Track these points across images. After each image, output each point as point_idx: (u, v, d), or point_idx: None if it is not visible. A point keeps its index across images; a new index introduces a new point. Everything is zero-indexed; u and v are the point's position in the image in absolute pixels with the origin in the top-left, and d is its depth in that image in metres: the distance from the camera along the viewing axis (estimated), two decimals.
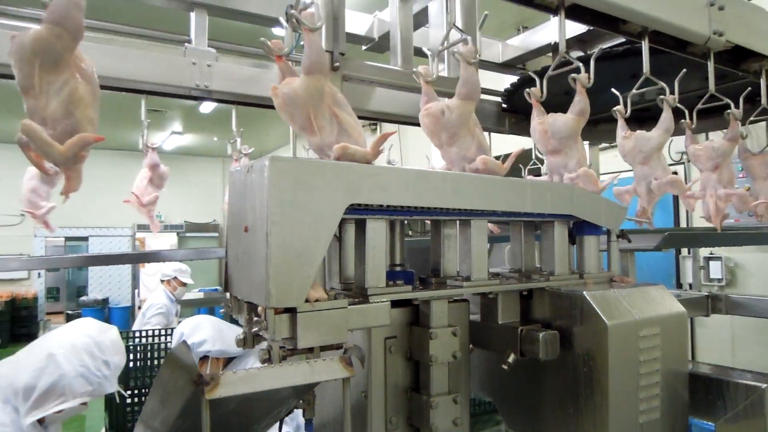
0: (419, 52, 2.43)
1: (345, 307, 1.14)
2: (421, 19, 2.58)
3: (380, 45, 2.74)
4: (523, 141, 3.33)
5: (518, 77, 2.76)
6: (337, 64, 1.76)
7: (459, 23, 2.16)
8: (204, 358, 2.86)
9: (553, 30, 2.85)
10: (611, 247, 1.70)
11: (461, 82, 1.49)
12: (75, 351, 1.87)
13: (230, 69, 2.23)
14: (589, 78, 1.76)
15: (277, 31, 2.72)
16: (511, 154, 1.56)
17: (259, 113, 6.72)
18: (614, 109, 2.04)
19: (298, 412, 1.41)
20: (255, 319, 1.17)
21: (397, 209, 1.25)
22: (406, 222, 1.61)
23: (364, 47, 2.87)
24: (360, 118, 2.09)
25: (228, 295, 1.30)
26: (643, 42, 1.94)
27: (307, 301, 1.09)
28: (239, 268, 1.22)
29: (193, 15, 2.22)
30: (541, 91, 1.83)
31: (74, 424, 6.93)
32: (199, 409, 0.94)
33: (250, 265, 1.14)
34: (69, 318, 14.37)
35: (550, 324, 1.47)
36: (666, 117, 1.97)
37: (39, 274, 13.85)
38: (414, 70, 1.61)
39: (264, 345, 1.16)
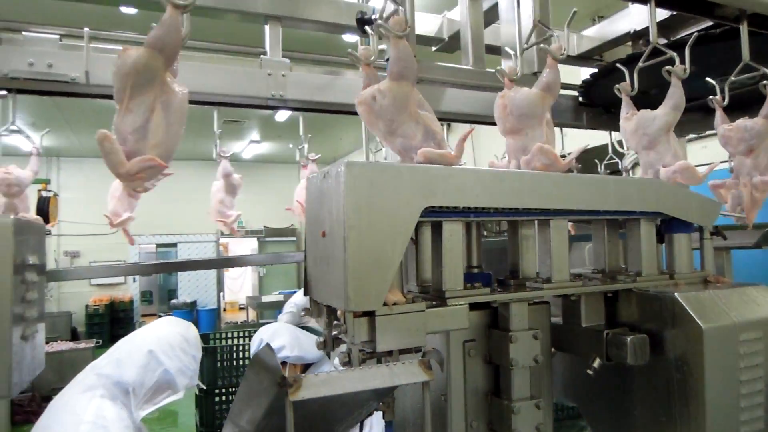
0: (490, 50, 2.39)
1: (423, 310, 1.14)
2: (491, 16, 2.54)
3: (450, 45, 2.72)
4: (601, 136, 3.20)
5: (595, 68, 2.65)
6: None
7: (533, 17, 2.10)
8: (282, 364, 2.94)
9: (632, 18, 2.71)
10: (704, 246, 1.59)
11: (392, 60, 1.29)
12: (172, 348, 1.98)
13: (303, 78, 2.28)
14: (685, 69, 1.66)
15: (347, 37, 2.76)
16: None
17: (332, 119, 6.86)
18: (711, 98, 1.92)
19: (378, 414, 1.42)
20: (335, 322, 1.19)
21: (473, 211, 1.23)
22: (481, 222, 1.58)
23: (434, 48, 2.86)
24: None
25: (308, 298, 1.33)
26: (741, 26, 1.81)
27: (385, 304, 1.10)
28: (318, 272, 1.25)
29: (267, 28, 2.30)
30: (632, 85, 1.76)
31: (168, 420, 7.34)
32: (284, 409, 0.97)
33: (328, 269, 1.16)
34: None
35: (638, 327, 1.40)
36: None
37: (134, 279, 14.82)
38: (499, 68, 1.58)
39: (344, 348, 1.18)
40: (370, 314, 1.09)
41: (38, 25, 2.27)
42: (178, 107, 1.21)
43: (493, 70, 1.65)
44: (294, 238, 16.09)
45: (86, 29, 2.12)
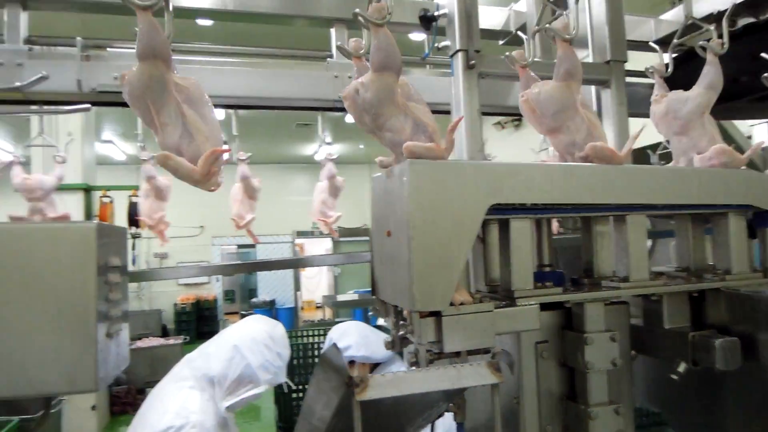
0: None
1: (491, 310, 1.11)
2: (558, 6, 2.44)
3: (518, 38, 2.64)
4: None
5: (676, 54, 2.49)
6: (473, 61, 1.72)
7: (603, 7, 2.00)
8: (351, 363, 2.98)
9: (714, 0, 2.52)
10: None
11: (372, 50, 1.21)
12: (255, 343, 2.06)
13: None
14: (723, 44, 1.52)
15: (415, 36, 2.75)
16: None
17: None
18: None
19: (449, 415, 1.40)
20: (401, 322, 1.19)
21: (542, 207, 1.19)
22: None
23: (501, 42, 2.80)
24: (499, 114, 2.03)
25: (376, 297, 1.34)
26: None
27: (451, 304, 1.08)
28: (384, 271, 1.25)
29: (333, 31, 2.33)
30: (666, 67, 1.64)
31: (251, 414, 7.63)
32: (351, 409, 0.98)
33: (393, 269, 1.15)
34: (243, 317, 15.89)
35: (728, 329, 1.30)
36: None
37: (217, 279, 15.53)
38: (507, 54, 1.50)
39: (411, 348, 1.18)
40: (436, 314, 1.08)
41: (121, 41, 2.42)
42: (198, 96, 1.20)
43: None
44: (367, 238, 16.20)
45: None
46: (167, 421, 1.86)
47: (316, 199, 2.99)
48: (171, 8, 1.19)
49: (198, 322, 14.39)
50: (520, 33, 1.68)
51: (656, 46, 1.79)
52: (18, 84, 0.91)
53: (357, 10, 1.19)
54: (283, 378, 2.12)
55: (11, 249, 0.84)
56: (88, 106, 1.11)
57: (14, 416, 5.11)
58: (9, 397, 0.84)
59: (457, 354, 1.10)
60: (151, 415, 1.95)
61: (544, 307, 1.20)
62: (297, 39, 3.50)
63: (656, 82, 1.66)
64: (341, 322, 3.44)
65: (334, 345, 1.39)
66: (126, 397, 8.28)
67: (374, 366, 2.94)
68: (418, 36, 2.69)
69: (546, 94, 1.38)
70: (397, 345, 1.23)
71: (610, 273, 1.34)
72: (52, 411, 5.56)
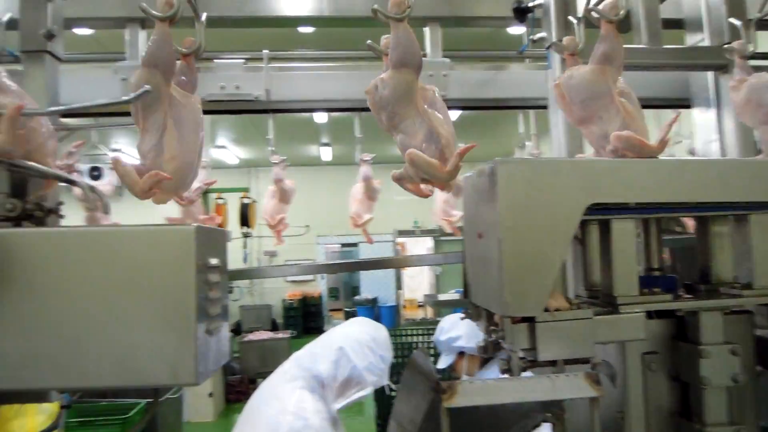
0: (668, 25, 2.11)
1: (590, 317, 1.04)
2: None
3: (623, 24, 2.46)
4: None
5: None
6: None
7: None
8: (461, 354, 2.92)
9: None
10: None
11: (391, 46, 1.16)
12: (360, 345, 2.10)
13: (465, 75, 2.26)
14: None
15: (513, 30, 2.66)
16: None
17: (500, 115, 6.69)
18: None
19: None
20: (493, 327, 1.14)
21: (648, 206, 1.09)
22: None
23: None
24: None
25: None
26: None
27: (546, 310, 1.02)
28: (475, 274, 1.21)
29: (427, 30, 2.31)
30: None
31: (354, 408, 7.81)
32: (439, 415, 0.96)
33: (485, 272, 1.12)
34: (347, 314, 16.32)
35: None
36: None
37: (322, 276, 16.09)
38: (554, 42, 1.38)
39: (504, 355, 1.13)
40: (529, 320, 1.02)
41: (227, 53, 2.56)
42: (189, 118, 1.17)
43: (674, 47, 1.45)
44: None
45: (265, 51, 2.34)
46: (288, 422, 1.90)
47: (438, 199, 2.98)
48: (203, 19, 1.20)
49: (304, 318, 15.00)
50: (570, 18, 1.56)
51: (737, 22, 1.58)
52: (126, 98, 0.99)
53: (375, 6, 1.16)
54: (386, 380, 2.14)
55: (122, 250, 0.91)
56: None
57: (142, 399, 5.62)
58: (120, 386, 0.91)
59: (553, 363, 1.04)
60: (268, 411, 2.02)
61: (653, 314, 1.11)
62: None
63: (737, 64, 1.47)
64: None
65: (423, 349, 1.38)
66: (240, 386, 8.80)
67: (485, 360, 2.85)
68: (517, 30, 2.60)
69: (578, 77, 1.25)
70: (490, 350, 1.19)
71: (731, 279, 1.21)
72: (175, 395, 6.05)
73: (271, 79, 2.34)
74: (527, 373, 1.04)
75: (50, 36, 1.22)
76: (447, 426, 0.94)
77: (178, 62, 1.16)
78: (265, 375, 2.31)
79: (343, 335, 2.18)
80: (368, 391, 2.08)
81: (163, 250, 0.90)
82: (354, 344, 2.11)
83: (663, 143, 1.18)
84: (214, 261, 1.01)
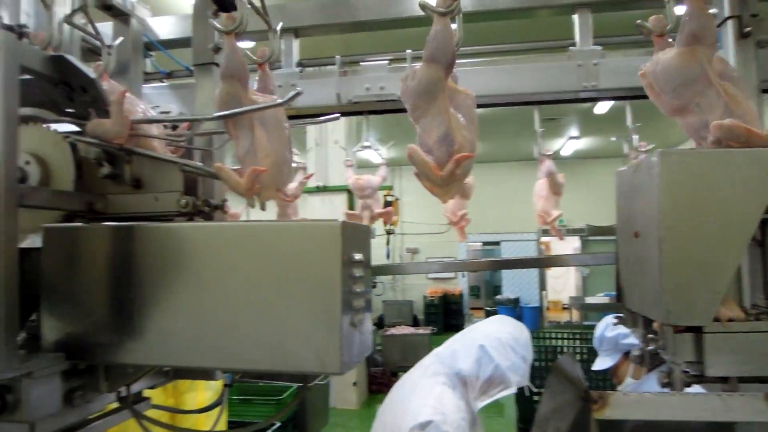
0: None
1: None
2: None
3: None
4: None
5: None
6: (748, 29, 1.42)
7: None
8: (625, 354, 2.70)
9: None
10: None
11: (428, 39, 1.12)
12: (501, 345, 2.07)
13: (618, 64, 2.09)
14: None
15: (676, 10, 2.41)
16: None
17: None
18: None
19: None
20: (651, 335, 1.04)
21: None
22: None
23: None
24: None
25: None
26: None
27: (716, 320, 0.91)
28: (630, 276, 1.11)
29: (576, 17, 2.18)
30: None
31: (494, 409, 7.68)
32: (587, 425, 0.89)
33: (642, 275, 1.02)
34: (488, 313, 16.09)
35: None
36: None
37: (463, 275, 16.02)
38: (639, 21, 1.17)
39: (664, 367, 1.03)
40: (695, 330, 0.92)
41: (373, 54, 2.64)
42: (272, 117, 1.16)
43: None
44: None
45: (408, 51, 2.38)
46: (426, 415, 1.93)
47: (536, 198, 2.84)
48: (278, 30, 1.22)
49: (445, 315, 15.04)
50: None
51: None
52: (280, 100, 1.05)
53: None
54: (527, 381, 2.08)
55: (275, 243, 0.97)
56: (338, 115, 1.23)
57: (294, 384, 6.04)
58: (273, 370, 0.98)
59: (724, 380, 0.93)
60: (408, 404, 2.05)
61: None
62: (527, 31, 3.39)
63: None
64: (589, 325, 3.21)
65: (569, 353, 1.30)
66: (382, 377, 9.08)
67: (653, 366, 2.63)
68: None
69: (665, 63, 1.09)
70: (647, 361, 1.09)
71: None
72: (323, 382, 6.42)
73: None
74: (693, 389, 0.93)
75: (217, 49, 1.33)
76: None
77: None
78: (405, 369, 2.35)
79: (483, 333, 2.14)
80: (512, 390, 2.03)
81: (312, 245, 0.95)
82: (495, 343, 2.07)
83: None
84: (358, 256, 1.05)
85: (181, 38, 2.54)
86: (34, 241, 1.13)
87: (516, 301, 15.27)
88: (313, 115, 2.35)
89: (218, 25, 1.11)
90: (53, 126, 1.15)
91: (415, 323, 13.50)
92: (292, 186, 2.65)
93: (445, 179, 1.16)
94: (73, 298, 1.06)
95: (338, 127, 7.68)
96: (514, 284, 15.93)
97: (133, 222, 1.05)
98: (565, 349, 4.52)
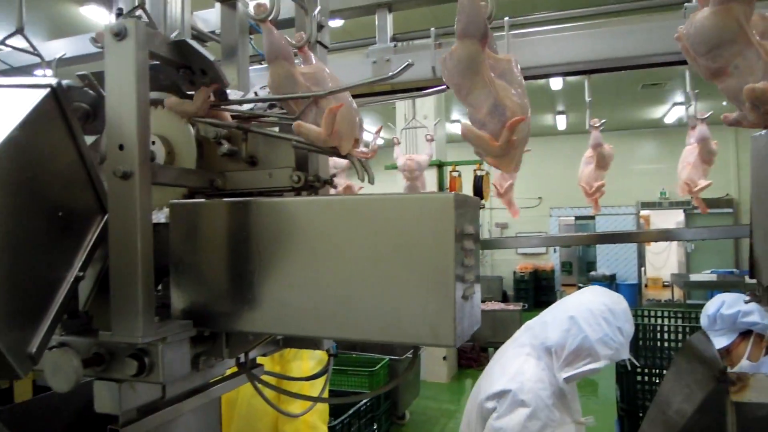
0: None
1: None
2: None
3: None
4: None
5: None
6: None
7: None
8: (745, 334, 2.50)
9: None
10: None
11: (457, 15, 1.08)
12: (593, 315, 1.99)
13: None
14: None
15: None
16: None
17: None
18: None
19: None
20: None
21: None
22: None
23: None
24: None
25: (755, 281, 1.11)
26: None
27: None
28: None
29: None
30: None
31: (588, 389, 7.47)
32: (722, 409, 0.84)
33: None
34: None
35: None
36: None
37: (555, 250, 15.56)
38: None
39: None
40: None
41: None
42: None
43: None
44: (730, 210, 13.87)
45: (506, 19, 2.29)
46: (503, 383, 1.96)
47: (682, 167, 2.65)
48: (316, 11, 1.23)
49: (535, 291, 14.74)
50: None
51: None
52: (390, 74, 1.05)
53: None
54: (625, 354, 1.98)
55: (388, 216, 0.98)
56: (444, 87, 1.21)
57: (385, 356, 6.17)
58: (386, 341, 1.00)
59: None
60: (493, 374, 2.09)
61: None
62: None
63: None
64: (695, 305, 3.01)
65: (702, 332, 1.21)
66: (471, 353, 9.09)
67: None
68: None
69: (698, 24, 1.02)
70: None
71: None
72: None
73: (512, 46, 2.29)
74: None
75: (320, 27, 1.35)
76: (734, 422, 0.82)
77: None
78: (494, 344, 2.35)
79: (575, 304, 2.08)
80: (600, 365, 1.95)
81: (425, 217, 0.95)
82: (586, 314, 1.99)
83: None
84: (469, 229, 1.03)
85: (280, 20, 2.61)
86: (158, 216, 1.22)
87: (612, 277, 14.66)
88: (408, 90, 2.34)
89: (251, 14, 1.13)
90: None
91: (505, 299, 13.35)
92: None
93: (503, 148, 1.13)
94: (197, 270, 1.13)
95: (427, 102, 7.62)
96: (610, 260, 15.29)
97: (250, 197, 1.10)
98: (665, 329, 4.29)
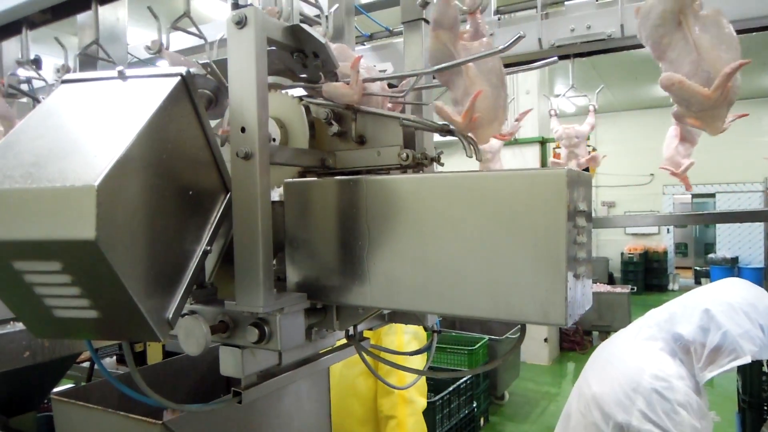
0: None
1: None
2: None
3: None
4: None
5: None
6: None
7: None
8: None
9: None
10: None
11: None
12: (732, 309, 1.85)
13: None
14: None
15: None
16: None
17: None
18: None
19: None
20: None
21: None
22: None
23: None
24: None
25: None
26: None
27: None
28: None
29: None
30: None
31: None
32: None
33: None
34: (697, 274, 14.51)
35: None
36: None
37: (668, 230, 14.55)
38: None
39: None
40: None
41: None
42: (487, 62, 1.07)
43: None
44: None
45: None
46: (648, 383, 1.83)
47: (666, 145, 2.40)
48: None
49: (645, 274, 13.92)
50: None
51: None
52: (500, 47, 1.03)
53: None
54: (767, 354, 1.83)
55: (497, 193, 0.97)
56: (555, 58, 1.16)
57: (485, 335, 6.14)
58: (494, 318, 0.99)
59: None
60: (624, 366, 1.95)
61: None
62: None
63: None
64: None
65: None
66: (574, 336, 8.80)
67: None
68: None
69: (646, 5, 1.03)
70: None
71: None
72: (514, 336, 6.43)
73: (626, 12, 2.15)
74: None
75: (425, 4, 1.35)
76: None
77: None
78: (599, 328, 2.24)
79: (709, 296, 1.93)
80: (745, 360, 1.80)
81: (537, 193, 0.93)
82: (724, 307, 1.84)
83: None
84: (582, 205, 1.00)
85: (375, 1, 2.64)
86: (272, 195, 1.29)
87: (734, 260, 13.51)
88: (513, 64, 2.28)
89: None
90: (286, 91, 1.28)
91: (611, 281, 12.73)
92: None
93: (716, 97, 1.04)
94: (310, 245, 1.18)
95: (529, 77, 7.36)
96: (732, 241, 14.10)
97: (359, 176, 1.13)
98: None
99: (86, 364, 3.46)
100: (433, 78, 1.16)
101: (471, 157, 1.08)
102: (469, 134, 1.04)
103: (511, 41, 0.97)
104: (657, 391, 1.78)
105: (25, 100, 2.55)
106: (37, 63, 2.20)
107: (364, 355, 1.51)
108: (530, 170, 0.96)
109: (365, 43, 2.85)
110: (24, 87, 2.34)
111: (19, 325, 1.86)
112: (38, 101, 2.21)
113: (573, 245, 0.97)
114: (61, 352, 1.98)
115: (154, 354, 2.77)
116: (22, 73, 2.26)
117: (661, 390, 1.77)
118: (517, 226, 0.96)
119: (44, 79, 2.28)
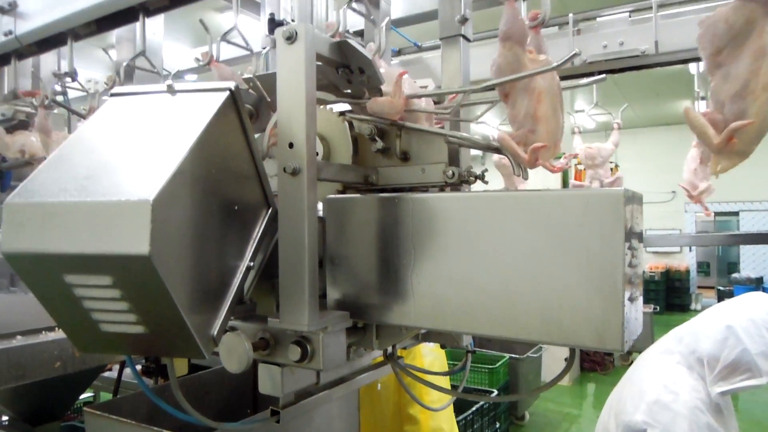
0: None
1: None
2: None
3: None
4: None
5: None
6: None
7: None
8: None
9: None
10: None
11: None
12: (755, 326, 1.79)
13: None
14: None
15: None
16: None
17: None
18: None
19: None
20: None
21: None
22: None
23: None
24: None
25: None
26: None
27: None
28: None
29: None
30: None
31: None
32: None
33: None
34: (720, 294, 14.21)
35: None
36: None
37: (690, 248, 14.30)
38: None
39: None
40: None
41: (609, 8, 2.43)
42: (547, 80, 1.04)
43: None
44: None
45: (654, 0, 2.13)
46: (655, 394, 1.83)
47: (686, 166, 2.35)
48: None
49: (667, 293, 13.66)
50: None
51: None
52: (557, 61, 1.01)
53: None
54: None
55: (550, 212, 0.95)
56: (604, 76, 1.14)
57: (506, 354, 6.05)
58: (546, 341, 0.96)
59: None
60: (638, 381, 1.96)
61: None
62: None
63: None
64: None
65: None
66: (594, 355, 8.62)
67: None
68: None
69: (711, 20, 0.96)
70: None
71: None
72: (536, 355, 6.32)
73: (660, 28, 2.13)
74: None
75: (464, 21, 1.34)
76: None
77: None
78: (630, 351, 2.20)
79: (733, 312, 1.88)
80: (762, 381, 1.75)
81: (592, 214, 0.90)
82: (747, 323, 1.79)
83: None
84: (637, 227, 0.97)
85: (407, 16, 2.63)
86: None
87: (758, 280, 13.20)
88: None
89: None
90: (330, 106, 1.28)
91: None
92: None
93: (721, 147, 0.97)
94: (351, 263, 1.16)
95: None
96: (756, 260, 13.82)
97: (402, 193, 1.12)
98: None
99: (108, 374, 3.46)
100: (487, 90, 1.13)
101: (518, 175, 1.06)
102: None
103: (566, 57, 0.96)
104: (660, 401, 1.76)
105: (56, 111, 2.59)
106: (72, 75, 2.23)
107: (401, 374, 1.48)
108: (584, 189, 0.94)
109: (394, 58, 2.85)
110: (59, 98, 2.38)
111: (51, 335, 1.86)
112: (76, 113, 2.24)
113: (629, 267, 0.94)
114: (91, 363, 1.98)
115: (180, 367, 2.76)
116: (62, 87, 2.30)
117: (668, 401, 1.74)
118: (570, 246, 0.94)
119: (86, 90, 2.31)
